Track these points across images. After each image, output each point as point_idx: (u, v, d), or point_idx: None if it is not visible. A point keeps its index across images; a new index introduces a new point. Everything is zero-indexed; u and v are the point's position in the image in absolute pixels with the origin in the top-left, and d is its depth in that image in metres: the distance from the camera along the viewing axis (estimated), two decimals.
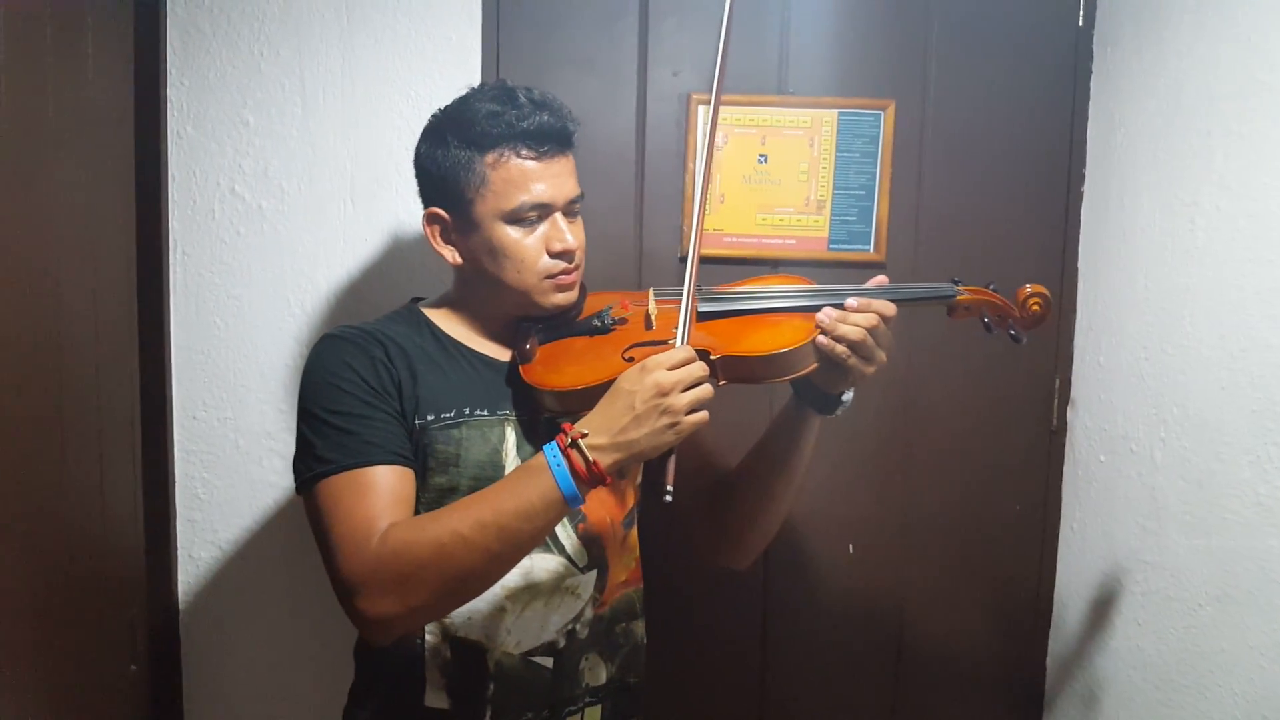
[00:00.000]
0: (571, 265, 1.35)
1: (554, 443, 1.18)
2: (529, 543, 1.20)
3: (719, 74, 1.37)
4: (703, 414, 1.18)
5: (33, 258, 1.37)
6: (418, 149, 1.38)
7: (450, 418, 1.31)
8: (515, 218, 1.31)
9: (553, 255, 1.34)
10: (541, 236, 1.33)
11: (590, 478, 1.16)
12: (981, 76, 1.86)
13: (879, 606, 1.96)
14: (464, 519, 1.18)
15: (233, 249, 1.81)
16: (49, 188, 1.42)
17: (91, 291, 1.55)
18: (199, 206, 1.80)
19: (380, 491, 1.23)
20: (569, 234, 1.34)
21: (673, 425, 1.15)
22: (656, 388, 1.15)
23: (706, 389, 1.18)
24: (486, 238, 1.33)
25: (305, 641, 1.88)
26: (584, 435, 1.16)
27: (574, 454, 1.16)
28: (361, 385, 1.28)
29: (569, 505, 1.17)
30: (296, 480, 1.28)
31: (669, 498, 1.16)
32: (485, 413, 1.34)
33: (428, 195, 1.38)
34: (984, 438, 1.93)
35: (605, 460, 1.16)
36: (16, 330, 1.33)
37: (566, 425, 1.19)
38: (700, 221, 1.36)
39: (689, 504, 1.51)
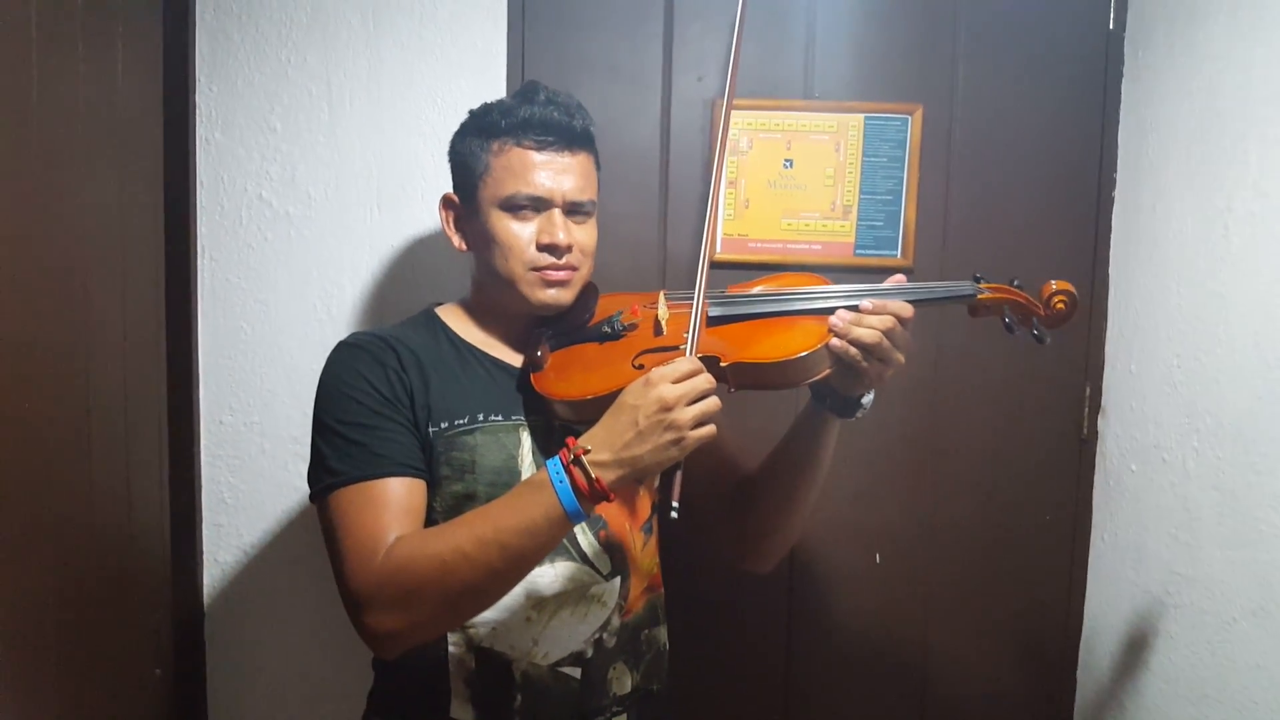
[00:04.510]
0: (560, 262, 1.33)
1: (556, 458, 1.16)
2: (532, 559, 1.18)
3: (731, 74, 1.38)
4: (709, 428, 1.15)
5: (62, 262, 1.38)
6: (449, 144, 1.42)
7: (464, 424, 1.30)
8: (510, 205, 1.32)
9: (540, 248, 1.32)
10: (534, 229, 1.33)
11: (593, 494, 1.13)
12: (1011, 80, 1.85)
13: (905, 615, 1.94)
14: (467, 535, 1.16)
15: (260, 254, 1.82)
16: (79, 193, 1.43)
17: (120, 296, 1.56)
18: (226, 212, 1.82)
19: (388, 504, 1.22)
20: (560, 230, 1.32)
21: (677, 441, 1.12)
22: (660, 403, 1.12)
23: (713, 402, 1.15)
24: (484, 224, 1.34)
25: (329, 646, 1.88)
26: (587, 451, 1.14)
27: (576, 471, 1.13)
28: (373, 395, 1.27)
29: (571, 522, 1.15)
30: (309, 490, 1.28)
31: (675, 514, 1.13)
32: (500, 418, 1.33)
33: (453, 186, 1.41)
34: (1013, 446, 1.91)
35: (608, 477, 1.13)
36: (46, 333, 1.34)
37: (570, 440, 1.16)
38: (711, 228, 1.35)
39: (710, 507, 1.50)
